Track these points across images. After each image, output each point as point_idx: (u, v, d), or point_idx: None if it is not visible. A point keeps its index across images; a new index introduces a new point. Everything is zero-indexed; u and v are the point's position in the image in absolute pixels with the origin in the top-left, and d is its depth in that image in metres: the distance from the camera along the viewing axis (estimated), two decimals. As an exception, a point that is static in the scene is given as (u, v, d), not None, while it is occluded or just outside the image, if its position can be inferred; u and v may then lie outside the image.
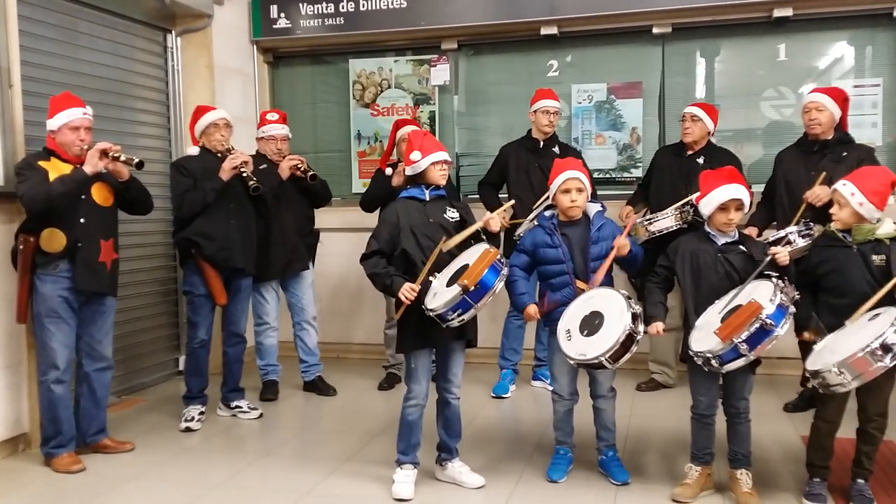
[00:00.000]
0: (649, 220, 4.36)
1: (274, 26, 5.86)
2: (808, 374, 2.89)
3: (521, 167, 4.81)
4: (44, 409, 3.67)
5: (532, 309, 3.38)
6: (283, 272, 4.73)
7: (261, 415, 4.48)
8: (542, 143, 4.80)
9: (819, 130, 4.09)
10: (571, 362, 3.15)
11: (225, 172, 4.16)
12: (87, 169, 3.54)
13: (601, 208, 3.50)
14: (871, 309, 2.89)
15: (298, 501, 3.29)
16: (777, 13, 5.11)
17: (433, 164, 3.29)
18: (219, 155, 4.25)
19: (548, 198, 3.55)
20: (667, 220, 4.29)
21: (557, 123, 4.92)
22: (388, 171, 4.72)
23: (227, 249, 4.21)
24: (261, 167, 4.52)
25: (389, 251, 3.27)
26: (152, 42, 5.30)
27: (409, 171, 3.34)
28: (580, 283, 3.33)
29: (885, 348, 2.69)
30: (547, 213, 3.49)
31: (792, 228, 3.81)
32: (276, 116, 4.77)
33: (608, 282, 3.38)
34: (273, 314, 4.79)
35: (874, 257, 2.98)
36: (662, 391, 4.78)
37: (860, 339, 2.76)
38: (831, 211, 3.07)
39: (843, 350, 2.78)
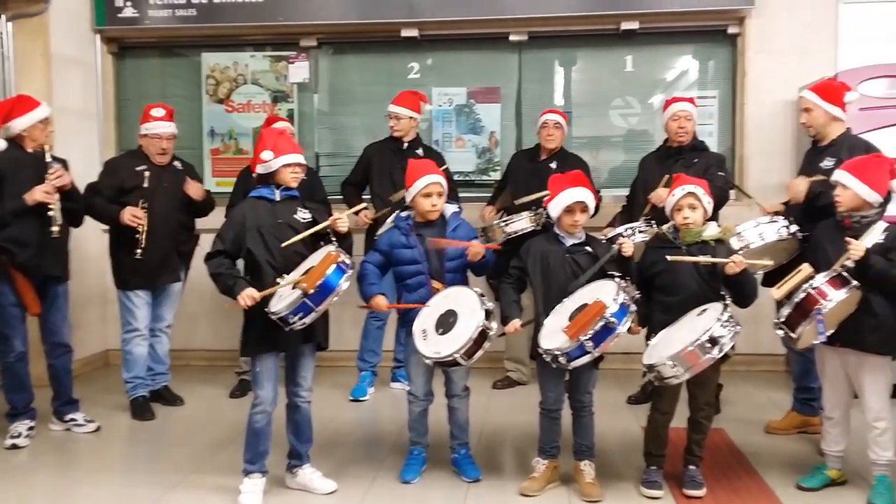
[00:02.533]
0: (505, 221, 4.45)
1: (119, 15, 5.53)
2: (644, 368, 3.04)
3: (385, 168, 4.78)
4: None
5: (380, 299, 3.37)
6: (151, 283, 4.45)
7: (98, 428, 4.19)
8: (405, 145, 4.80)
9: (686, 139, 4.30)
10: (427, 361, 3.16)
11: (33, 195, 3.79)
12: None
13: (457, 209, 3.54)
14: (697, 304, 3.08)
15: (137, 517, 3.11)
16: (624, 26, 5.37)
17: (286, 165, 3.21)
18: (30, 151, 3.91)
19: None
20: (522, 222, 4.40)
21: (418, 126, 4.94)
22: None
23: (39, 256, 3.89)
24: (138, 168, 4.30)
25: (234, 252, 3.15)
26: (-22, 27, 4.87)
27: (259, 170, 3.24)
28: (436, 284, 3.35)
29: (713, 341, 2.88)
30: (403, 214, 3.48)
31: (631, 225, 4.00)
32: (161, 112, 4.42)
33: (462, 281, 3.41)
34: (143, 319, 4.48)
35: (702, 258, 3.17)
36: (517, 388, 4.89)
37: (690, 334, 2.93)
38: (684, 214, 3.19)
39: (675, 344, 2.94)
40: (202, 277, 3.21)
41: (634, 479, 3.34)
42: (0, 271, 3.86)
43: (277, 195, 3.22)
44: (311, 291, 2.92)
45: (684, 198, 3.19)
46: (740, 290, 3.15)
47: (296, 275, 3.07)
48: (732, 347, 2.96)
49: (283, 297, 3.02)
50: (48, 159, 3.90)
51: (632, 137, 5.60)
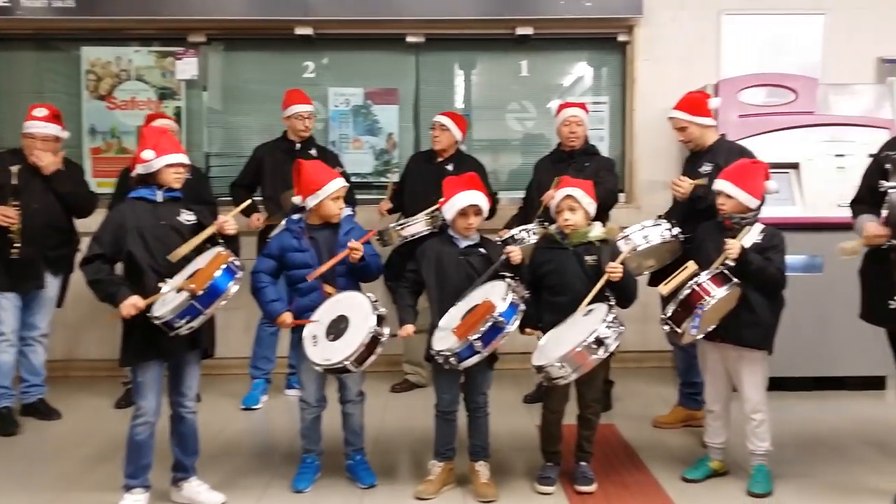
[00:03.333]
0: (401, 224, 4.41)
1: (-10, 5, 5.17)
2: (533, 369, 3.07)
3: (277, 169, 4.65)
4: None
5: (287, 317, 3.26)
6: (18, 286, 4.18)
7: None
8: (298, 145, 4.70)
9: (577, 143, 4.39)
10: (318, 368, 3.09)
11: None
12: None
13: (350, 213, 3.48)
14: (587, 305, 3.15)
15: (4, 540, 2.89)
16: (519, 31, 5.44)
17: (168, 165, 3.07)
18: None
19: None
20: (418, 225, 4.36)
21: (314, 126, 4.85)
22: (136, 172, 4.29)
23: None
24: (11, 166, 4.06)
25: (113, 255, 2.99)
26: None
27: (139, 171, 3.09)
28: (327, 288, 3.28)
29: (599, 342, 2.95)
30: (295, 217, 3.40)
31: (525, 227, 4.05)
32: (42, 113, 4.18)
33: (354, 286, 3.35)
34: (10, 323, 4.18)
35: (587, 258, 3.24)
36: (416, 391, 4.86)
37: (577, 335, 2.99)
38: (565, 216, 3.27)
39: (563, 345, 3.00)
40: (83, 283, 3.02)
41: (531, 478, 3.37)
42: None
43: (159, 196, 3.07)
44: (200, 293, 2.80)
45: (563, 200, 3.27)
46: (622, 293, 3.24)
47: (181, 278, 2.94)
48: (617, 346, 3.04)
49: (168, 301, 2.88)
50: None
51: (528, 141, 5.69)
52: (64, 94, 5.49)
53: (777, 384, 4.11)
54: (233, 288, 2.90)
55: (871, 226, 2.98)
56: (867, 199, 3.11)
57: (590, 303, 3.14)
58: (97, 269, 2.95)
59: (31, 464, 3.79)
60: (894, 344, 3.10)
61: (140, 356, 3.01)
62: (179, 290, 2.85)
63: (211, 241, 3.10)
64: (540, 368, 3.03)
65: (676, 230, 3.66)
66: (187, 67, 5.48)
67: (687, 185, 3.67)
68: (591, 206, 3.30)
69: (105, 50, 5.48)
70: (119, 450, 3.18)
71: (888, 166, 2.74)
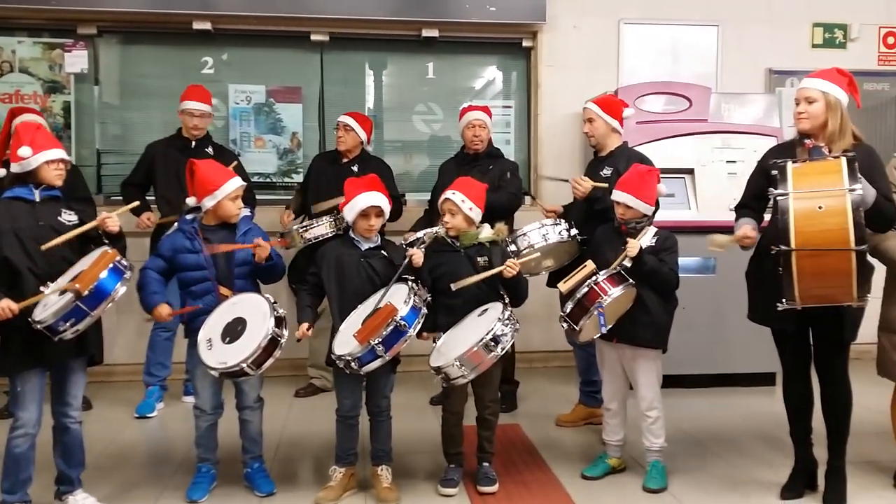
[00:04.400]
0: (305, 227, 4.31)
1: None
2: (431, 370, 3.07)
3: (171, 168, 4.46)
4: None
5: (163, 308, 3.13)
6: None
7: None
8: (193, 143, 4.53)
9: (481, 147, 4.40)
10: (213, 372, 2.98)
11: None
12: None
13: (248, 213, 3.38)
14: (477, 305, 3.19)
15: None
16: (425, 33, 5.45)
17: (47, 162, 2.91)
18: None
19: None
20: (322, 227, 4.28)
21: (213, 124, 4.69)
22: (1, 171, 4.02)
23: None
24: None
25: None
26: None
27: (16, 169, 2.91)
28: (224, 290, 3.17)
29: (495, 340, 2.98)
30: (188, 217, 3.27)
31: (431, 230, 4.03)
32: None
33: (253, 288, 3.26)
34: None
35: (479, 259, 3.27)
36: (321, 395, 4.77)
37: (474, 334, 3.01)
38: (445, 219, 3.29)
39: (460, 345, 3.01)
40: None
41: (435, 480, 3.35)
42: None
43: (37, 195, 2.90)
44: (85, 293, 2.66)
45: (443, 204, 3.31)
46: (514, 292, 3.28)
47: (63, 281, 2.78)
48: (512, 346, 3.06)
49: (49, 304, 2.72)
50: None
51: (436, 143, 5.69)
52: (-60, 85, 5.14)
53: (674, 381, 4.27)
54: (120, 289, 2.77)
55: (745, 228, 3.14)
56: (751, 203, 3.26)
57: (476, 302, 3.18)
58: None
59: None
60: (778, 342, 3.25)
61: (20, 364, 2.84)
62: (63, 291, 2.69)
63: (95, 242, 2.95)
64: (438, 370, 3.03)
65: (574, 231, 3.73)
66: (76, 60, 5.20)
67: (587, 185, 3.75)
68: (472, 210, 3.29)
69: (-15, 39, 5.16)
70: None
71: (774, 173, 2.87)
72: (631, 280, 3.18)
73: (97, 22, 5.18)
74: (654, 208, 3.35)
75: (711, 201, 4.73)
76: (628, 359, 3.38)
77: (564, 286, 3.18)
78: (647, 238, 3.25)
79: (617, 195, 3.33)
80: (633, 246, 3.16)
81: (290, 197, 5.01)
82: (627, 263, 3.19)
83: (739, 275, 3.35)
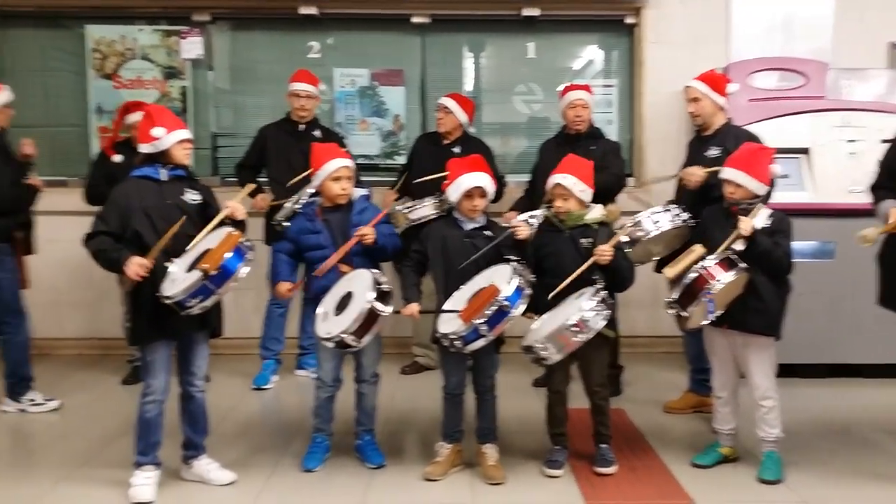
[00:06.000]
0: (409, 208, 4.39)
1: (-7, -19, 5.13)
2: (522, 350, 3.10)
3: (281, 150, 4.64)
4: None
5: (281, 285, 3.30)
6: None
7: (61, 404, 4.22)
8: (301, 126, 4.67)
9: (583, 127, 4.35)
10: (325, 343, 3.10)
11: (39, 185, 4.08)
12: None
13: (366, 192, 3.48)
14: (578, 288, 3.15)
15: (16, 517, 2.91)
16: (525, 12, 5.40)
17: (179, 142, 3.06)
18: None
19: (307, 181, 3.44)
20: (426, 209, 4.34)
21: (320, 106, 4.82)
22: (118, 157, 4.27)
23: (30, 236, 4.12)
24: None
25: (118, 234, 2.97)
26: None
27: (147, 149, 3.05)
28: (343, 267, 3.28)
29: (582, 324, 2.97)
30: (309, 199, 3.40)
31: (532, 213, 4.03)
32: None
33: (371, 265, 3.34)
34: None
35: (583, 241, 3.23)
36: (425, 373, 4.85)
37: (563, 317, 3.01)
38: (557, 203, 3.26)
39: (549, 326, 3.02)
40: (70, 261, 3.01)
41: (538, 461, 3.37)
42: (12, 249, 4.02)
43: (164, 174, 3.05)
44: (214, 272, 2.79)
45: (554, 189, 3.27)
46: (615, 276, 3.23)
47: (188, 256, 2.93)
48: (616, 329, 3.06)
49: (178, 280, 2.88)
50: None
51: (535, 124, 5.65)
52: (70, 73, 5.47)
53: (789, 371, 4.12)
54: (243, 269, 2.90)
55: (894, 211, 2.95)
56: (887, 183, 3.08)
57: (577, 285, 3.14)
58: (101, 241, 2.95)
59: (43, 441, 3.82)
60: None
61: (149, 335, 3.01)
62: (191, 269, 2.84)
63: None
64: (527, 349, 3.06)
65: (686, 215, 3.63)
66: (192, 47, 5.43)
67: (701, 173, 3.64)
68: (584, 192, 3.26)
69: (109, 28, 5.43)
70: (128, 429, 3.20)
71: None
72: (742, 265, 3.07)
73: (211, 9, 5.39)
74: (767, 188, 3.22)
75: (829, 183, 4.52)
76: (739, 346, 3.27)
77: (671, 271, 3.11)
78: (760, 219, 3.14)
79: (727, 173, 3.21)
80: (746, 224, 3.04)
81: (393, 178, 5.09)
82: (739, 246, 3.08)
83: (861, 260, 3.20)
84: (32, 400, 4.14)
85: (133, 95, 5.38)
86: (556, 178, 3.26)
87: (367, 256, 3.33)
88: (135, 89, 5.41)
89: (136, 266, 2.86)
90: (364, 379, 3.42)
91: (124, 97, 5.39)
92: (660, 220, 3.62)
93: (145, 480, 3.06)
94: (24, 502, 3.03)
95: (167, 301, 2.86)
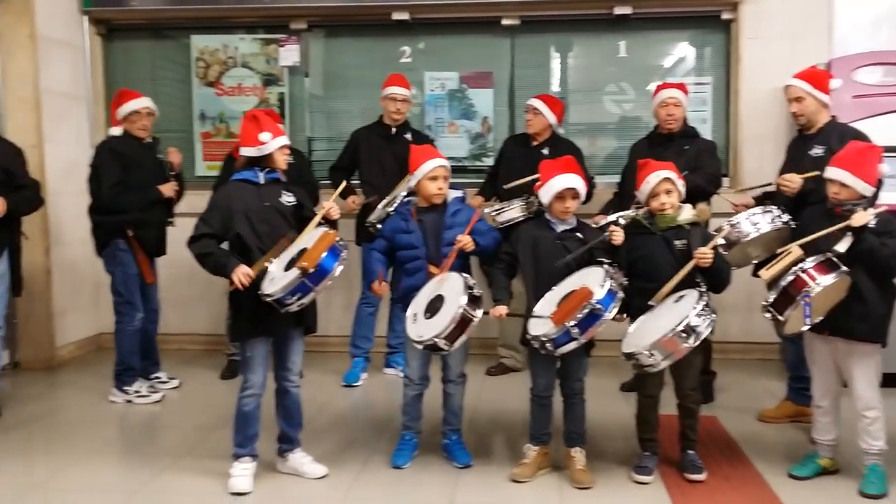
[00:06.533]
0: (497, 211, 4.39)
1: (107, -4, 5.47)
2: (622, 356, 3.04)
3: (373, 153, 4.75)
4: None
5: (374, 285, 3.38)
6: None
7: (179, 384, 4.68)
8: (393, 130, 4.77)
9: (675, 126, 4.27)
10: (415, 345, 3.15)
11: (167, 192, 4.43)
12: None
13: (461, 194, 3.52)
14: (674, 291, 3.08)
15: (125, 501, 3.09)
16: (617, 11, 5.33)
17: (281, 147, 3.20)
18: (145, 142, 4.41)
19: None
20: (513, 211, 4.33)
21: (410, 110, 4.91)
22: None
23: (156, 237, 4.47)
24: None
25: (221, 236, 3.12)
26: (-38, 6, 4.80)
27: (252, 153, 3.18)
28: (433, 268, 3.34)
29: (689, 329, 2.88)
30: (405, 199, 3.47)
31: (623, 213, 3.97)
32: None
33: (461, 267, 3.38)
34: None
35: (677, 242, 3.16)
36: (511, 375, 4.88)
37: (667, 322, 2.93)
38: (663, 200, 3.21)
39: (652, 333, 2.95)
40: (172, 260, 3.18)
41: (627, 467, 3.33)
42: (127, 246, 4.36)
43: (262, 178, 3.19)
44: (312, 270, 2.90)
45: (661, 184, 3.19)
46: (714, 279, 3.15)
47: (286, 256, 3.05)
48: (711, 333, 2.97)
49: (277, 278, 3.00)
50: (161, 156, 4.53)
51: (625, 124, 5.57)
52: (176, 82, 5.77)
53: (894, 380, 3.90)
54: (338, 268, 2.99)
55: None
56: None
57: (678, 288, 3.06)
58: (205, 244, 3.09)
59: (149, 431, 4.06)
60: None
61: (249, 332, 3.15)
62: (288, 267, 2.95)
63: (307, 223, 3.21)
64: (629, 356, 2.99)
65: (786, 217, 3.50)
66: (289, 54, 5.63)
67: (797, 181, 3.51)
68: (683, 187, 3.23)
69: (213, 38, 5.71)
70: (227, 421, 3.35)
71: None
72: (843, 268, 2.93)
73: (307, 17, 5.56)
74: (873, 189, 3.06)
75: (941, 183, 4.26)
76: (842, 354, 3.13)
77: (767, 274, 3.01)
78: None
79: (831, 172, 3.07)
80: (862, 217, 2.90)
81: (480, 181, 5.12)
82: (842, 247, 2.95)
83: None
84: (138, 391, 4.40)
85: (234, 102, 5.65)
86: (662, 174, 3.20)
87: (460, 259, 3.36)
88: (235, 96, 5.66)
89: (242, 275, 2.99)
90: (451, 379, 3.46)
91: (226, 104, 5.67)
92: (759, 221, 3.49)
93: (243, 472, 3.19)
94: (131, 489, 3.22)
95: (267, 299, 2.97)
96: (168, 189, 4.42)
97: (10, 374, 4.98)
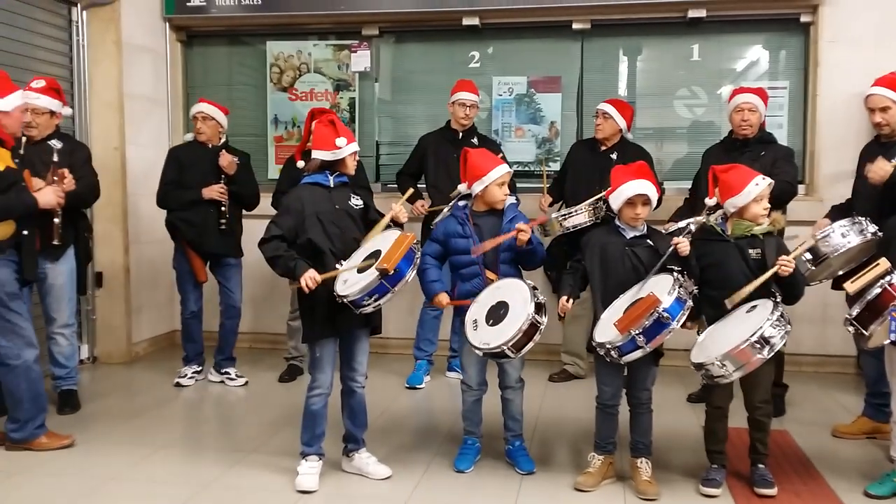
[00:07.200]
0: (564, 215, 4.37)
1: (188, 4, 5.65)
2: (692, 366, 2.97)
3: (440, 158, 4.79)
4: (24, 390, 3.53)
5: (443, 297, 3.38)
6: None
7: (246, 382, 4.83)
8: (461, 135, 4.79)
9: (750, 131, 4.18)
10: (477, 352, 3.16)
11: (210, 193, 4.54)
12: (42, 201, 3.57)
13: (515, 200, 3.51)
14: (746, 301, 3.00)
15: (198, 493, 3.19)
16: (691, 14, 5.23)
17: (352, 153, 3.27)
18: (210, 146, 4.62)
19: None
20: (581, 216, 4.31)
21: (478, 115, 4.93)
22: (302, 163, 4.56)
23: (203, 236, 4.60)
24: None
25: (291, 238, 3.18)
26: (55, 15, 5.04)
27: (327, 157, 3.24)
28: (489, 274, 3.33)
29: (764, 340, 2.81)
30: (461, 203, 3.47)
31: (694, 219, 3.88)
32: (39, 84, 4.01)
33: (516, 274, 3.39)
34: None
35: (751, 251, 3.08)
36: (574, 382, 4.83)
37: (740, 333, 2.86)
38: (767, 205, 3.11)
39: (724, 343, 2.88)
40: (265, 266, 3.26)
41: (693, 479, 3.26)
42: (177, 244, 4.67)
43: (332, 181, 3.25)
44: (391, 272, 2.94)
45: (766, 189, 3.09)
46: (790, 289, 3.06)
47: (357, 259, 3.10)
48: (784, 345, 2.88)
49: (351, 281, 3.04)
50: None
51: (697, 129, 5.46)
52: (251, 87, 5.94)
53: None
54: (411, 273, 3.03)
55: None
56: None
57: (750, 298, 2.98)
58: (276, 247, 3.15)
59: (220, 426, 4.18)
60: None
61: (321, 333, 3.21)
62: (362, 269, 3.01)
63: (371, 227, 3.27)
64: (699, 366, 2.93)
65: (874, 227, 3.36)
66: (361, 60, 5.73)
67: (888, 167, 3.37)
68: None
69: (287, 44, 5.85)
70: (291, 420, 3.43)
71: None
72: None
73: (378, 23, 5.65)
74: None
75: None
76: (926, 370, 3.02)
77: (852, 286, 2.91)
78: None
79: None
80: None
81: (547, 185, 5.10)
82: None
83: None
84: (227, 374, 4.81)
85: (306, 107, 5.74)
86: (769, 179, 3.12)
87: (514, 264, 3.36)
88: (307, 101, 5.78)
89: (309, 279, 3.05)
90: (509, 385, 3.44)
91: (298, 109, 5.79)
92: (849, 234, 3.39)
93: (310, 470, 3.25)
94: (204, 482, 3.32)
95: (343, 300, 3.03)
96: (211, 191, 4.54)
97: (89, 368, 5.21)
